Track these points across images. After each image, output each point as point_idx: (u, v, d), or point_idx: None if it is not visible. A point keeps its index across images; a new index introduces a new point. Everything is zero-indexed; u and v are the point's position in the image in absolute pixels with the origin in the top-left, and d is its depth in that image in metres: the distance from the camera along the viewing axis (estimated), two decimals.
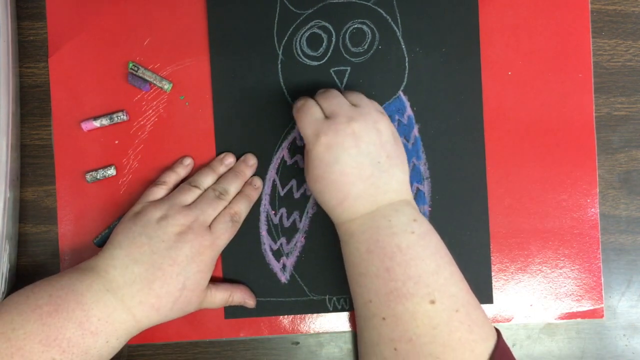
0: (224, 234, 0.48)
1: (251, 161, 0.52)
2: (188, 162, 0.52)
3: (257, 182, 0.52)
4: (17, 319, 0.42)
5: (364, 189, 0.44)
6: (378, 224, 0.44)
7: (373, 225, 0.44)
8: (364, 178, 0.44)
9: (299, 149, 0.53)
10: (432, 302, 0.41)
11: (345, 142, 0.44)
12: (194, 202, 0.49)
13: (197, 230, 0.47)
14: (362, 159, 0.44)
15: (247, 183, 0.52)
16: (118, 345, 0.45)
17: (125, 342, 0.46)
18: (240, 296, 0.51)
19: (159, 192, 0.50)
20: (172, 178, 0.51)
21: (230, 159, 0.52)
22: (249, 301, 0.51)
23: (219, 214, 0.49)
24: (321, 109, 0.47)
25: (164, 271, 0.45)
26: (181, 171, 0.51)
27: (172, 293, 0.45)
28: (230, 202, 0.50)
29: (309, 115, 0.46)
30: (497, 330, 0.44)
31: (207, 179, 0.51)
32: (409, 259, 0.42)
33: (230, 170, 0.52)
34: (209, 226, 0.48)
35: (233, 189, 0.50)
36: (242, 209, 0.50)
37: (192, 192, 0.49)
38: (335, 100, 0.47)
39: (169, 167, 0.52)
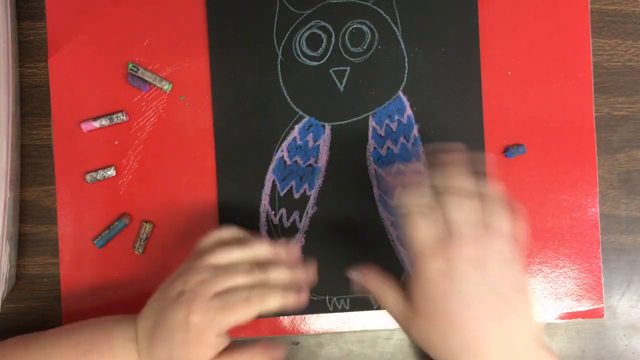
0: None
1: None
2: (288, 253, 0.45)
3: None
4: (57, 352, 0.44)
5: (493, 327, 0.37)
6: None
7: None
8: (489, 313, 0.37)
9: (299, 149, 0.53)
10: None
11: (468, 270, 0.37)
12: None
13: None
14: (485, 288, 0.37)
15: None
16: None
17: None
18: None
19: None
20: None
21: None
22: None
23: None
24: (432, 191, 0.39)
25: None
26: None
27: None
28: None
29: (424, 226, 0.38)
30: None
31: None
32: None
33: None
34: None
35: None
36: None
37: (243, 276, 0.42)
38: (466, 208, 0.38)
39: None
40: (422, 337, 0.38)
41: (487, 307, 0.37)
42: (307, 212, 0.53)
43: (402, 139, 0.53)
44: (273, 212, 0.53)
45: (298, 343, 0.54)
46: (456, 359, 0.37)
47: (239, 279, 0.42)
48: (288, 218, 0.53)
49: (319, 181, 0.52)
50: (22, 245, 0.53)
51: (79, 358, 0.43)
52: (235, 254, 0.43)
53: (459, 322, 0.37)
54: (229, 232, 0.46)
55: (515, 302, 0.37)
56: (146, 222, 0.52)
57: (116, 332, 0.45)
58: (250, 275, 0.42)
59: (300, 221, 0.52)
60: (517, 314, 0.37)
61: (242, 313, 0.41)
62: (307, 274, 0.44)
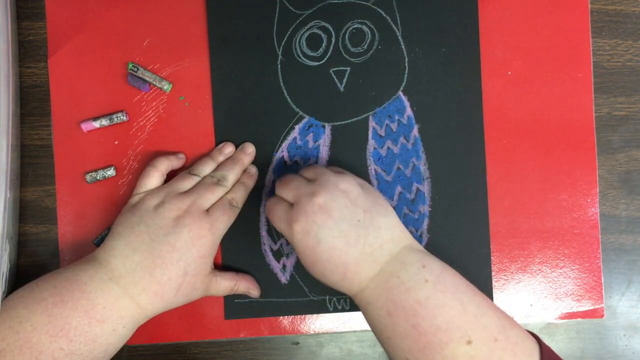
0: (222, 217, 0.48)
1: (249, 149, 0.52)
2: (182, 156, 0.52)
3: (252, 169, 0.52)
4: (23, 312, 0.43)
5: (359, 253, 0.43)
6: (389, 285, 0.43)
7: (385, 287, 0.43)
8: (353, 242, 0.43)
9: (300, 149, 0.53)
10: (469, 342, 0.40)
11: (317, 219, 0.43)
12: (192, 188, 0.49)
13: (194, 214, 0.46)
14: (342, 225, 0.43)
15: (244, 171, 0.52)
16: (125, 333, 0.45)
17: (133, 330, 0.46)
18: (245, 285, 0.51)
19: (152, 179, 0.49)
20: (163, 164, 0.50)
21: (229, 149, 0.52)
22: (254, 291, 0.51)
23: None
24: (285, 199, 0.46)
25: (163, 258, 0.45)
26: (173, 160, 0.51)
27: (174, 279, 0.45)
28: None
29: (276, 211, 0.46)
30: (536, 336, 0.43)
31: (206, 168, 0.50)
32: (432, 309, 0.41)
33: (228, 158, 0.52)
34: (207, 211, 0.47)
35: (232, 176, 0.50)
36: (239, 196, 0.50)
37: (191, 179, 0.49)
38: (292, 185, 0.46)
39: (162, 154, 0.51)
40: (319, 280, 0.46)
41: (347, 239, 0.43)
42: None
43: (402, 139, 0.53)
44: None
45: (298, 343, 0.54)
46: (342, 286, 0.45)
47: (218, 191, 0.49)
48: None
49: None
50: (22, 245, 0.53)
51: (50, 311, 0.42)
52: (194, 179, 0.49)
53: (330, 263, 0.44)
54: (162, 165, 0.50)
55: (371, 221, 0.44)
56: None
57: (82, 277, 0.44)
58: (221, 185, 0.49)
59: None
60: (374, 232, 0.44)
61: (234, 213, 0.49)
62: (245, 154, 0.52)
